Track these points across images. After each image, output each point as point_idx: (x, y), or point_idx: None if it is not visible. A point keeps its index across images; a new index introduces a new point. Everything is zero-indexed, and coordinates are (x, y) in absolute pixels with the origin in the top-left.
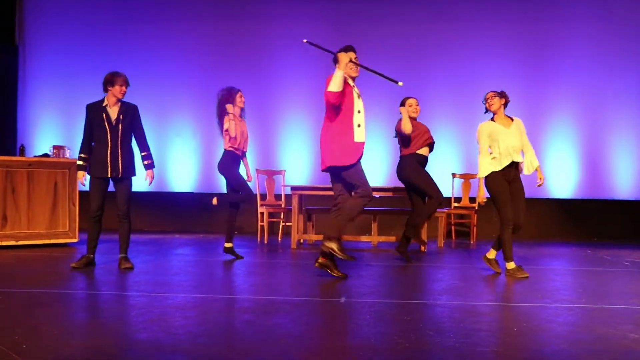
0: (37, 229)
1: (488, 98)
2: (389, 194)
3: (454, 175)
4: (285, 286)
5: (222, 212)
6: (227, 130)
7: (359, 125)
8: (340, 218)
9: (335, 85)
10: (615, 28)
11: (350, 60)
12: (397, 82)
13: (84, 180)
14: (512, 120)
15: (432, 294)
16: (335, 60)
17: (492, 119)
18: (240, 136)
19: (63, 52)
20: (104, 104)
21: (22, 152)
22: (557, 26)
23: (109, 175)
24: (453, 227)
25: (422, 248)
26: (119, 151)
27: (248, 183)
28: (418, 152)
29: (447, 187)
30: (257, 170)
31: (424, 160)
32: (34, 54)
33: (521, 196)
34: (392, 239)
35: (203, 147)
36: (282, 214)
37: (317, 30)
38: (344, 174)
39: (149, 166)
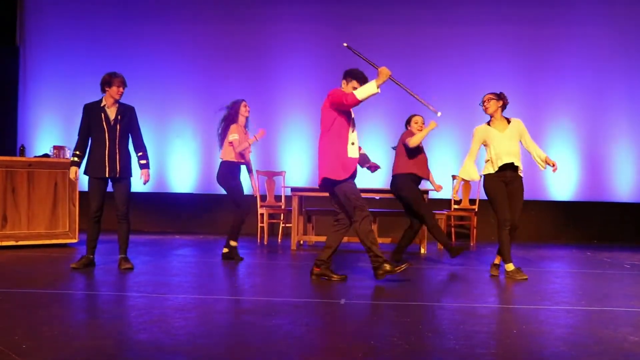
0: (37, 229)
1: (484, 101)
2: (390, 195)
3: (454, 177)
4: (285, 287)
5: (224, 213)
6: (231, 142)
7: (352, 143)
8: (364, 243)
9: (365, 96)
10: (617, 31)
11: (390, 78)
12: (436, 112)
13: (77, 176)
14: (509, 122)
15: (432, 296)
16: (347, 74)
17: (489, 122)
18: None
19: (63, 53)
20: (102, 104)
21: (22, 152)
22: (558, 29)
23: (107, 175)
24: (453, 229)
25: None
26: (117, 151)
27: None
28: (413, 173)
29: (448, 188)
30: (257, 171)
31: (418, 180)
32: (34, 54)
33: (518, 198)
34: (388, 240)
35: (203, 148)
36: (282, 215)
37: (318, 32)
38: (337, 190)
39: (145, 166)
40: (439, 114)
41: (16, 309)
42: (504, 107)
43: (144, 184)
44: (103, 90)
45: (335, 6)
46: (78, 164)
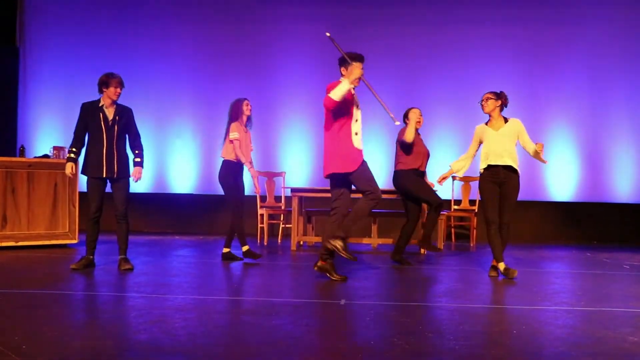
0: (36, 230)
1: (483, 100)
2: (390, 196)
3: (454, 178)
4: (285, 288)
5: (224, 214)
6: (232, 141)
7: (355, 134)
8: (349, 219)
9: (338, 95)
10: (617, 32)
11: (360, 78)
12: (394, 120)
13: (72, 171)
14: (506, 122)
15: (431, 296)
16: (342, 62)
17: (488, 121)
18: (242, 146)
19: (63, 53)
20: (100, 104)
21: (22, 152)
22: (558, 29)
23: (104, 176)
24: (453, 230)
25: (439, 247)
26: (114, 152)
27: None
28: (413, 168)
29: (447, 189)
30: (257, 172)
31: (420, 173)
32: (34, 55)
33: (508, 198)
34: (390, 241)
35: (203, 148)
36: (282, 215)
37: (318, 32)
38: (351, 179)
39: (138, 164)
40: (397, 122)
41: (16, 310)
42: (502, 106)
43: (135, 181)
44: (100, 91)
45: (336, 7)
46: (74, 160)
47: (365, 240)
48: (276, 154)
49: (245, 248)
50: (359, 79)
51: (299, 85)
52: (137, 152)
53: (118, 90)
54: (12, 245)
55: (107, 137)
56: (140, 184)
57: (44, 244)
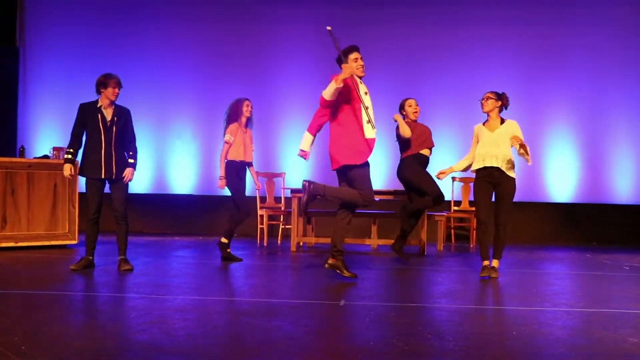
0: (36, 231)
1: (484, 98)
2: (389, 197)
3: (453, 178)
4: (284, 289)
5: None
6: (227, 142)
7: (368, 122)
8: (336, 190)
9: (328, 95)
10: (617, 34)
11: (356, 60)
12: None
13: (71, 172)
14: (503, 123)
15: (431, 297)
16: (339, 60)
17: (486, 121)
18: (242, 146)
19: (63, 53)
20: (98, 105)
21: (22, 153)
22: (558, 31)
23: (103, 177)
24: (452, 231)
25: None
26: (113, 153)
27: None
28: (419, 152)
29: (447, 190)
30: (257, 173)
31: (425, 160)
32: (34, 55)
33: (504, 199)
34: (392, 242)
35: (203, 149)
36: (281, 216)
37: (318, 33)
38: (350, 174)
39: (131, 165)
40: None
41: (16, 310)
42: (502, 108)
43: (125, 182)
44: (98, 92)
45: (336, 8)
46: (72, 161)
47: (365, 242)
48: (276, 155)
49: (224, 240)
50: (360, 66)
51: (299, 86)
52: (131, 153)
53: (116, 90)
54: (11, 246)
55: (105, 138)
56: (140, 184)
57: (44, 245)
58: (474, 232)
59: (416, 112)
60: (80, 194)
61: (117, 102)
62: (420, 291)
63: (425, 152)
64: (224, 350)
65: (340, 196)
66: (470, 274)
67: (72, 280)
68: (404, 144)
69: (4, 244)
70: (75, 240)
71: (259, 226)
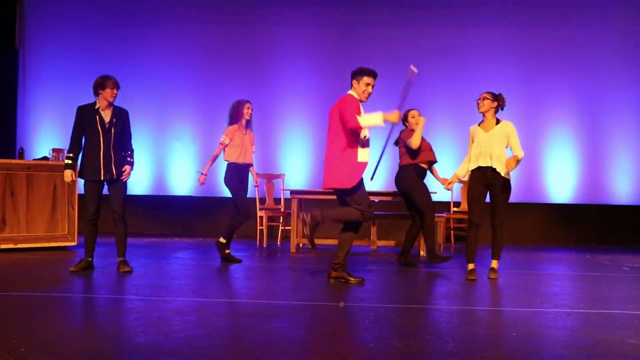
0: (36, 232)
1: (480, 98)
2: (388, 198)
3: (460, 181)
4: (284, 290)
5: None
6: (221, 143)
7: (365, 137)
8: (332, 213)
9: (368, 125)
10: (617, 35)
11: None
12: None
13: (73, 178)
14: (498, 124)
15: (430, 299)
16: (356, 74)
17: (481, 121)
18: (242, 148)
19: (63, 55)
20: (96, 107)
21: (21, 155)
22: (558, 32)
23: (102, 178)
24: (452, 232)
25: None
26: (112, 154)
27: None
28: (419, 163)
29: (446, 191)
30: (257, 174)
31: (423, 172)
32: (34, 56)
33: (498, 199)
34: (392, 243)
35: (203, 150)
36: (281, 217)
37: (318, 35)
38: (344, 195)
39: (129, 163)
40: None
41: (15, 312)
42: (498, 109)
43: (124, 179)
44: (96, 93)
45: (336, 10)
46: (72, 167)
47: (365, 243)
48: (275, 156)
49: (222, 240)
50: (369, 94)
51: (299, 88)
52: (129, 152)
53: (114, 91)
54: (11, 248)
55: (104, 139)
56: (140, 186)
57: (43, 246)
58: None
59: (417, 123)
60: (80, 195)
61: (115, 104)
62: (419, 292)
63: (424, 164)
64: (224, 351)
65: (339, 218)
66: None
67: (71, 282)
68: (408, 151)
69: (3, 246)
70: (74, 241)
71: (259, 227)
